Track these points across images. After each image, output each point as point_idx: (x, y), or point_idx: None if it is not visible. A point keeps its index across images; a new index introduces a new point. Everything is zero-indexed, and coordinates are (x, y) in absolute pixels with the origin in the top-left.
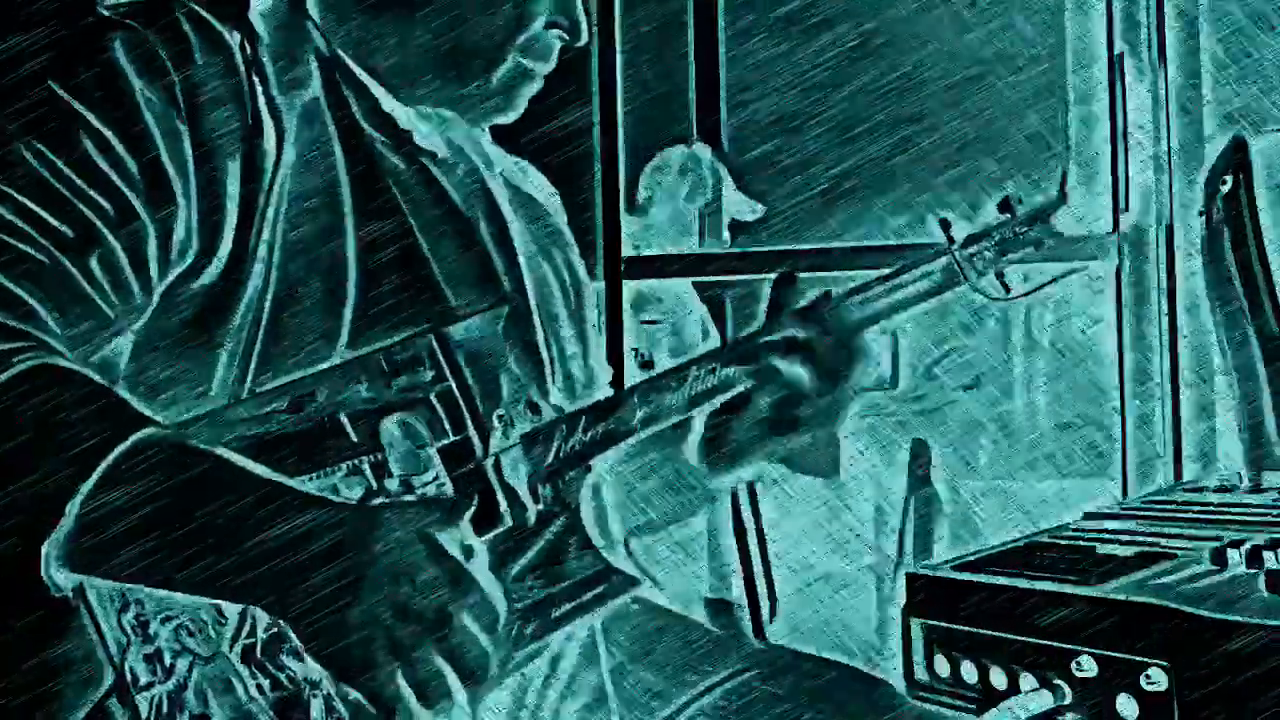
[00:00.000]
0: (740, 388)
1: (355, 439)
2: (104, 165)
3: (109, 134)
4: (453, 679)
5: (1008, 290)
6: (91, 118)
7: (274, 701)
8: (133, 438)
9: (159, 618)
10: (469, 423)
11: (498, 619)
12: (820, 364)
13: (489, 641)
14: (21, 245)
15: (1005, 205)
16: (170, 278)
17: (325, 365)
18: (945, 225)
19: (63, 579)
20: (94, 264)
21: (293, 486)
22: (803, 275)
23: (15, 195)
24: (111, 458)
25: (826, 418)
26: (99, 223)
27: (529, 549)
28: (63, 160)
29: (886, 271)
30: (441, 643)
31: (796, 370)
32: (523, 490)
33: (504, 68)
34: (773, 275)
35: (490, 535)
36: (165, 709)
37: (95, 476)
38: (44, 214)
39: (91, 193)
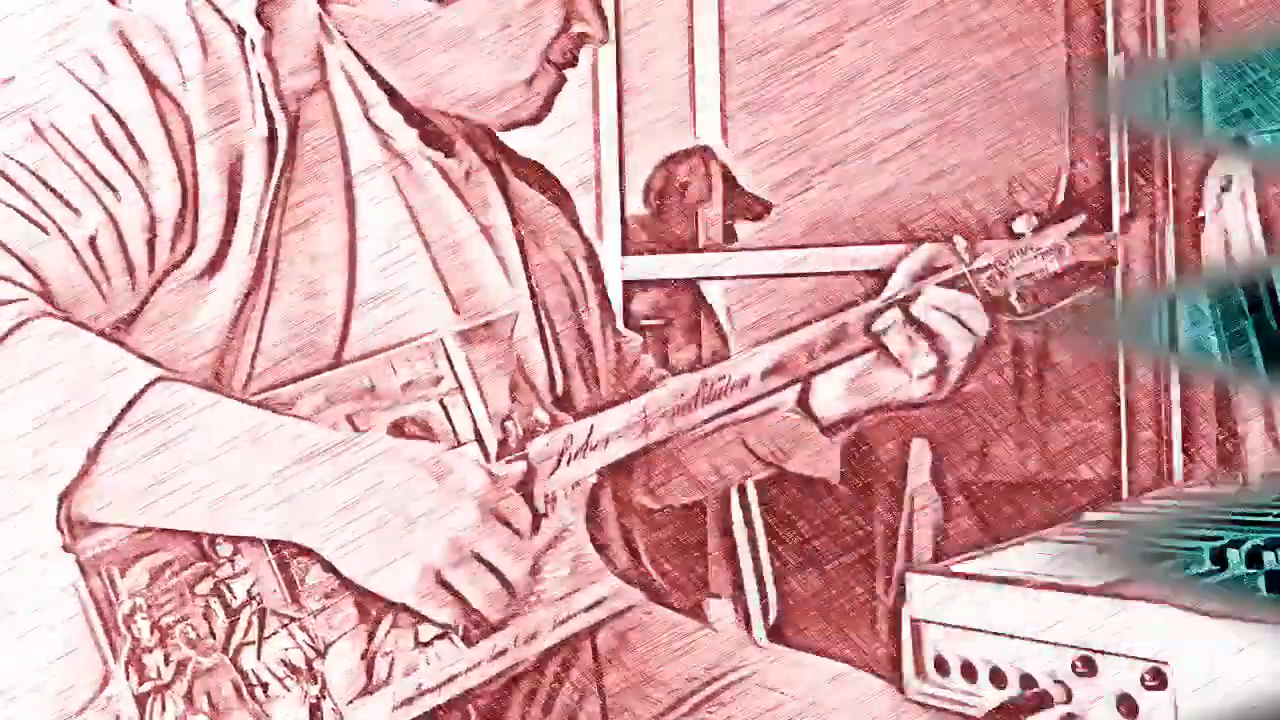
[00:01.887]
0: (755, 391)
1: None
2: (103, 156)
3: (111, 124)
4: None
5: (1026, 302)
6: (94, 107)
7: (273, 703)
8: (153, 377)
9: (159, 616)
10: (475, 429)
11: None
12: (969, 328)
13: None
14: (25, 217)
15: (1020, 219)
16: (166, 272)
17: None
18: (960, 241)
19: (78, 528)
20: (89, 253)
21: (320, 426)
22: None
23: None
24: (130, 397)
25: (962, 375)
26: (95, 214)
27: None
28: (63, 147)
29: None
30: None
31: (953, 330)
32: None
33: (547, 78)
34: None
35: None
36: (164, 707)
37: (113, 418)
38: (42, 196)
39: (89, 183)
